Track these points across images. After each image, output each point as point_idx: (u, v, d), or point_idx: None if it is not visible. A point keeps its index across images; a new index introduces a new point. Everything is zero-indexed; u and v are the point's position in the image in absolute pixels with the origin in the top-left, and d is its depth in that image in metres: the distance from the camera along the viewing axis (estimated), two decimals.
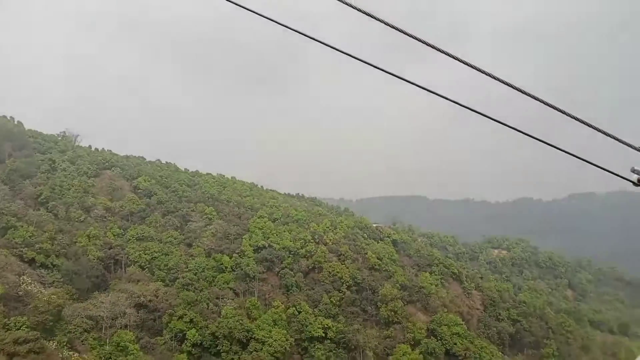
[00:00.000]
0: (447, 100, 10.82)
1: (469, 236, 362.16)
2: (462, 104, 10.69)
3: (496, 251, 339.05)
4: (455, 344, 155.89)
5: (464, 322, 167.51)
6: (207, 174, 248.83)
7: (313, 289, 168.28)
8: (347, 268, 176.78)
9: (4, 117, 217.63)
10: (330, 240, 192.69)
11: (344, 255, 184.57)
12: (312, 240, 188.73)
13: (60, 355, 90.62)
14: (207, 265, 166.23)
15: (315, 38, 10.58)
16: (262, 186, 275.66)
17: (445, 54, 9.03)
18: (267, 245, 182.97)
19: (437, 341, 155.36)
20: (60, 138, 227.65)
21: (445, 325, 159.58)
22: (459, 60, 8.90)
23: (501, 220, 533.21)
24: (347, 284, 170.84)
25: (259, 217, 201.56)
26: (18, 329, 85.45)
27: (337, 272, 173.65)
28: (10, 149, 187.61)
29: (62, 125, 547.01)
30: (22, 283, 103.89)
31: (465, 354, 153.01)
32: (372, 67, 10.74)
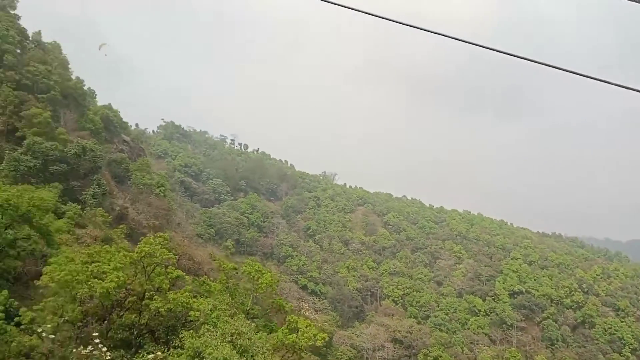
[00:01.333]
0: None
1: None
2: None
3: None
4: None
5: None
6: (453, 210, 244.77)
7: (584, 347, 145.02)
8: (630, 327, 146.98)
9: (280, 160, 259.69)
10: (603, 291, 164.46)
11: (623, 310, 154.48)
12: (579, 289, 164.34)
13: None
14: (458, 306, 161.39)
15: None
16: (511, 224, 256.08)
17: None
18: (524, 291, 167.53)
19: None
20: (321, 177, 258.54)
21: None
22: None
23: None
24: (631, 346, 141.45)
25: (512, 259, 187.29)
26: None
27: (616, 330, 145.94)
28: (286, 188, 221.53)
29: (321, 165, 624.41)
30: (302, 309, 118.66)
31: None
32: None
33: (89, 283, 23.71)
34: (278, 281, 43.09)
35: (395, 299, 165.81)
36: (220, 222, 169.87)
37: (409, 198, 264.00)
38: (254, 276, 37.11)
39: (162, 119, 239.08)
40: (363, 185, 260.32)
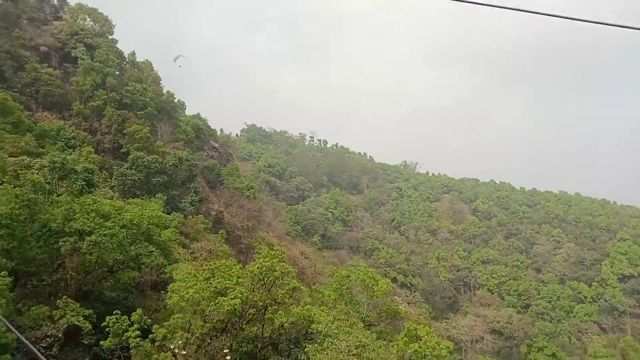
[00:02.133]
0: None
1: None
2: None
3: None
4: None
5: None
6: (547, 191, 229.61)
7: None
8: None
9: (359, 153, 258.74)
10: None
11: None
12: None
13: None
14: (561, 293, 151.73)
15: None
16: (614, 202, 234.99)
17: None
18: (635, 275, 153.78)
19: None
20: (402, 167, 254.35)
21: None
22: None
23: None
24: None
25: (619, 240, 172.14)
26: None
27: None
28: (367, 181, 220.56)
29: (399, 155, 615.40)
30: (395, 302, 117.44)
31: None
32: None
33: (216, 301, 24.71)
34: (393, 287, 42.46)
35: (491, 288, 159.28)
36: (305, 219, 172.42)
37: (497, 182, 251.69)
38: (368, 283, 36.89)
39: (245, 123, 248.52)
40: (447, 172, 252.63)
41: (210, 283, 26.16)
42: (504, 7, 9.56)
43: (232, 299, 24.51)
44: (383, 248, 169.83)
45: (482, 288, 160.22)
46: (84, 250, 28.81)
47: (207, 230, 70.01)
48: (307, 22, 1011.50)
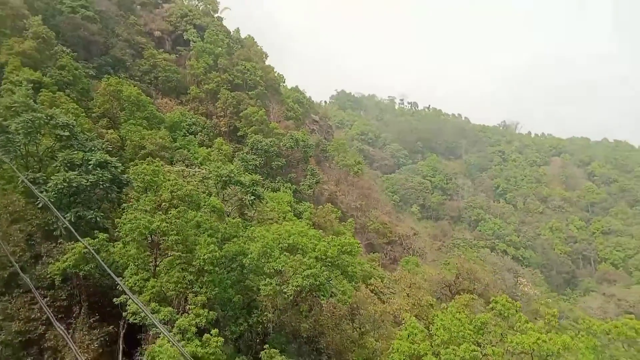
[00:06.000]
0: None
1: None
2: None
3: None
4: None
5: None
6: None
7: None
8: None
9: (454, 115, 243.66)
10: None
11: None
12: None
13: None
14: None
15: None
16: None
17: None
18: None
19: None
20: (502, 128, 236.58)
21: None
22: None
23: None
24: None
25: None
26: None
27: None
28: (465, 145, 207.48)
29: (494, 114, 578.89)
30: (520, 284, 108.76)
31: None
32: None
33: None
34: None
35: (615, 262, 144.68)
36: (403, 188, 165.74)
37: (611, 140, 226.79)
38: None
39: (335, 90, 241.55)
40: (552, 131, 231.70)
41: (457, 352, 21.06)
42: None
43: None
44: (489, 218, 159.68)
45: (605, 262, 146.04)
46: (288, 295, 25.07)
47: (337, 220, 66.03)
48: None
